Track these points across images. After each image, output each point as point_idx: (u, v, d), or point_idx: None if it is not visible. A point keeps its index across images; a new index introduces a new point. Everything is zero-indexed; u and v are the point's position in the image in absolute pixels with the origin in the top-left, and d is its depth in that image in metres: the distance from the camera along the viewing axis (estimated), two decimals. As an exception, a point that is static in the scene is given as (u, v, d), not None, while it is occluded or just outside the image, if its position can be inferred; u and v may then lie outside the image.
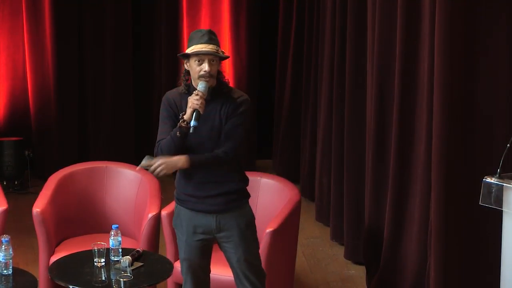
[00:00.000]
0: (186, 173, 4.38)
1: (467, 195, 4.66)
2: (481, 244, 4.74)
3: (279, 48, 8.23)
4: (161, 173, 4.30)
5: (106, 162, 5.81)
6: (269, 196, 5.40)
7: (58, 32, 7.99)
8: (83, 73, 8.25)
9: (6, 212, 5.25)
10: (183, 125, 4.18)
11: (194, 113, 4.18)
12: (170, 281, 5.17)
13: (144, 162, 4.30)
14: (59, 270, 4.61)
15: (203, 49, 4.25)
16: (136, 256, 4.66)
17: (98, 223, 5.55)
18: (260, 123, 8.70)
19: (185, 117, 4.20)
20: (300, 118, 7.72)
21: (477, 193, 4.13)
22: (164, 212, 5.16)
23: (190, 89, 4.30)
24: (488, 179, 4.07)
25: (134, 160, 7.86)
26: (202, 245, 4.45)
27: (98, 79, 8.27)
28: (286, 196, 5.25)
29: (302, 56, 7.62)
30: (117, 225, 4.68)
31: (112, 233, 4.64)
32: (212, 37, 4.31)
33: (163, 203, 5.34)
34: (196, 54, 4.25)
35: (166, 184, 7.62)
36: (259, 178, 5.44)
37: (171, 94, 4.44)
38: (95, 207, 5.60)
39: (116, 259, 4.60)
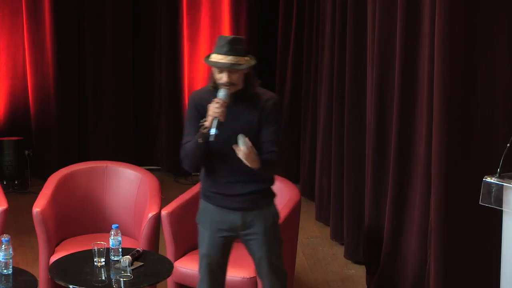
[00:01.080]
0: (212, 172, 4.40)
1: (467, 195, 4.66)
2: (481, 244, 4.74)
3: (279, 48, 8.22)
4: (245, 159, 4.17)
5: (106, 161, 5.81)
6: (269, 196, 5.40)
7: (58, 32, 7.98)
8: (83, 73, 8.24)
9: (6, 211, 5.25)
10: (204, 132, 4.19)
11: (214, 121, 4.17)
12: (170, 281, 5.17)
13: (242, 138, 4.16)
14: (59, 269, 4.61)
15: (220, 61, 4.22)
16: (136, 256, 4.66)
17: (98, 223, 5.55)
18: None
19: (206, 124, 4.20)
20: (300, 118, 7.72)
21: (477, 192, 4.14)
22: (164, 212, 5.16)
23: (218, 86, 4.28)
24: (488, 179, 4.08)
25: (134, 160, 7.89)
26: (224, 242, 4.46)
27: (98, 79, 8.26)
28: (286, 195, 5.25)
29: (302, 56, 7.63)
30: (117, 225, 4.68)
31: (112, 232, 4.64)
32: (233, 47, 4.23)
33: (163, 203, 5.34)
34: (214, 65, 4.24)
35: (166, 184, 7.63)
36: (259, 178, 5.44)
37: (197, 94, 4.45)
38: (95, 206, 5.60)
39: (116, 259, 4.60)
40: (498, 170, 4.04)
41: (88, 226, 5.54)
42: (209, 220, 4.44)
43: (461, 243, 4.79)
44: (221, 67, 4.22)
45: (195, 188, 5.45)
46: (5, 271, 4.49)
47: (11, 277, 4.49)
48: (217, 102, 4.18)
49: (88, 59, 8.23)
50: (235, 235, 4.46)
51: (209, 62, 4.27)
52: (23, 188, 7.89)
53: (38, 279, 5.08)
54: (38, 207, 5.20)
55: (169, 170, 8.35)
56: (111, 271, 4.52)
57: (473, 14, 4.65)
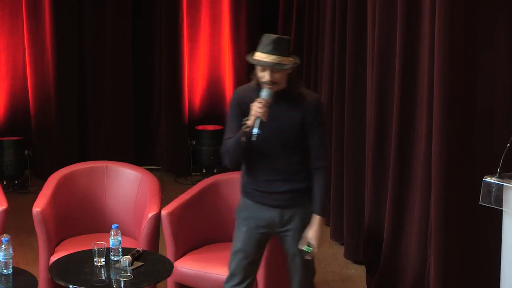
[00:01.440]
0: (252, 169, 4.45)
1: (467, 195, 4.67)
2: (481, 244, 4.75)
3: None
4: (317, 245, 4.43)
5: (106, 161, 5.80)
6: (269, 195, 5.40)
7: (58, 31, 7.98)
8: (83, 72, 8.24)
9: (6, 211, 5.25)
10: (246, 130, 4.22)
11: (257, 121, 4.19)
12: (170, 281, 5.17)
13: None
14: (59, 269, 4.61)
15: (263, 60, 4.24)
16: (136, 256, 4.66)
17: (98, 223, 5.55)
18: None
19: (248, 123, 4.22)
20: (300, 118, 7.71)
21: (477, 192, 4.14)
22: (164, 212, 5.16)
23: (261, 84, 4.30)
24: (488, 179, 4.08)
25: (134, 159, 7.89)
26: (261, 239, 4.49)
27: (98, 79, 8.26)
28: (286, 195, 5.24)
29: (302, 56, 7.62)
30: (117, 225, 4.68)
31: (112, 232, 4.64)
32: (277, 46, 4.24)
33: (163, 203, 5.34)
34: (257, 63, 4.26)
35: (166, 184, 7.63)
36: (259, 177, 5.44)
37: (240, 90, 4.49)
38: (95, 206, 5.60)
39: (116, 259, 4.60)
40: (498, 170, 4.05)
41: (88, 226, 5.54)
42: (248, 216, 4.48)
43: (461, 243, 4.79)
44: (263, 66, 4.24)
45: (195, 188, 5.46)
46: (5, 271, 4.49)
47: (11, 277, 4.49)
48: (260, 102, 4.20)
49: (88, 59, 8.23)
50: (272, 232, 4.50)
51: (252, 60, 4.28)
52: (23, 188, 7.89)
53: (38, 279, 5.08)
54: (38, 207, 5.20)
55: (169, 170, 8.35)
56: (111, 271, 4.52)
57: (473, 14, 4.65)
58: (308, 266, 4.53)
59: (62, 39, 8.01)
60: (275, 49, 4.22)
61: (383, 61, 5.41)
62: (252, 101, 4.26)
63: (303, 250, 4.39)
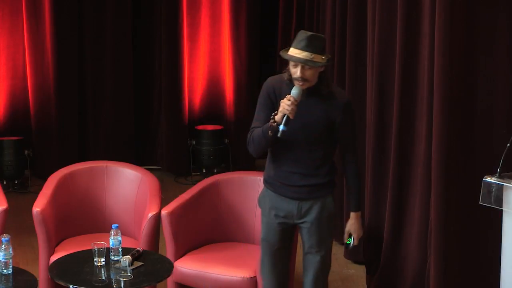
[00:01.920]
0: (275, 160, 4.52)
1: (467, 195, 4.66)
2: (481, 244, 4.74)
3: (279, 48, 8.22)
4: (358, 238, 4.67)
5: (106, 161, 5.81)
6: (269, 195, 5.40)
7: (58, 31, 7.98)
8: (83, 72, 8.24)
9: (6, 211, 5.25)
10: (273, 125, 4.26)
11: (284, 118, 4.23)
12: (170, 281, 5.17)
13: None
14: (59, 269, 4.61)
15: (295, 56, 4.29)
16: (136, 256, 4.66)
17: (98, 223, 5.55)
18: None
19: (276, 118, 4.27)
20: (300, 118, 7.71)
21: (477, 192, 4.14)
22: (164, 212, 5.16)
23: (292, 79, 4.35)
24: (488, 179, 4.08)
25: (134, 159, 7.89)
26: (281, 228, 4.56)
27: (98, 79, 8.26)
28: (286, 195, 5.24)
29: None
30: (117, 225, 4.68)
31: (112, 232, 4.63)
32: (310, 43, 4.28)
33: (163, 203, 5.34)
34: (290, 58, 4.31)
35: (166, 184, 7.63)
36: (259, 177, 5.43)
37: (272, 81, 4.51)
38: (95, 206, 5.60)
39: (116, 259, 4.60)
40: (498, 170, 4.05)
41: (88, 226, 5.54)
42: (268, 206, 4.56)
43: (461, 243, 4.79)
44: (296, 62, 4.28)
45: (195, 188, 5.46)
46: (5, 271, 4.49)
47: (11, 277, 4.49)
48: (289, 100, 4.24)
49: (88, 59, 8.22)
50: (291, 223, 4.56)
51: (285, 56, 4.33)
52: (23, 188, 7.89)
53: (38, 279, 5.08)
54: (38, 207, 5.20)
55: (169, 170, 8.35)
56: (111, 271, 4.52)
57: (473, 14, 4.65)
58: (323, 261, 4.58)
59: (62, 39, 8.01)
60: (308, 46, 4.28)
61: (383, 61, 5.41)
62: (282, 94, 4.33)
63: (345, 244, 4.65)
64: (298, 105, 4.27)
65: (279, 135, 4.26)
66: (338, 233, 6.47)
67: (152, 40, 8.38)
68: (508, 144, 4.03)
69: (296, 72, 4.29)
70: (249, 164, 8.29)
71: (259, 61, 8.54)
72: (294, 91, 4.28)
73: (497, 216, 4.22)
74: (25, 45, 8.01)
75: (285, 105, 4.24)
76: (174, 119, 8.33)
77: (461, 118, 4.72)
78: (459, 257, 4.80)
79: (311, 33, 4.35)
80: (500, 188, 4.03)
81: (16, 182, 7.89)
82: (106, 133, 8.28)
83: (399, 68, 5.16)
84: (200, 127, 8.32)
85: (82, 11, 8.13)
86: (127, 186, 5.62)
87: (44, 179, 5.74)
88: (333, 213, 4.58)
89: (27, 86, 8.09)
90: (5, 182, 7.76)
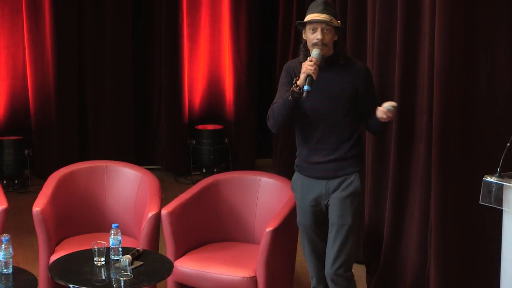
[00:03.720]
0: (302, 140, 4.65)
1: (467, 195, 4.67)
2: (481, 243, 4.75)
3: (279, 48, 8.23)
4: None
5: (106, 161, 5.81)
6: (269, 195, 5.41)
7: (58, 31, 7.99)
8: (83, 72, 8.25)
9: (6, 211, 5.25)
10: (296, 90, 4.34)
11: (308, 78, 4.32)
12: (170, 280, 5.17)
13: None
14: (59, 269, 4.62)
15: (316, 18, 4.43)
16: (136, 255, 4.66)
17: (98, 222, 5.55)
18: (260, 122, 8.71)
19: (298, 82, 4.36)
20: (300, 117, 7.71)
21: (477, 192, 4.14)
22: (164, 211, 5.16)
23: (309, 54, 4.47)
24: (488, 178, 4.07)
25: (134, 159, 7.90)
26: (314, 210, 4.67)
27: (98, 79, 8.27)
28: (286, 195, 5.25)
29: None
30: (117, 224, 4.68)
31: (112, 232, 4.64)
32: (326, 7, 4.47)
33: (163, 202, 5.34)
34: (310, 22, 4.45)
35: (166, 183, 7.63)
36: (259, 177, 5.45)
37: (291, 63, 4.66)
38: (95, 206, 5.60)
39: (116, 258, 4.60)
40: (498, 169, 4.04)
41: (88, 225, 5.54)
42: (299, 190, 4.69)
43: (461, 242, 4.79)
44: (317, 22, 4.43)
45: (195, 188, 5.46)
46: (5, 270, 4.49)
47: (11, 276, 4.49)
48: (311, 61, 4.35)
49: (88, 59, 8.23)
50: (323, 205, 4.64)
51: (303, 22, 4.46)
52: (23, 187, 7.89)
53: (38, 278, 5.08)
54: (38, 207, 5.20)
55: (169, 169, 8.36)
56: (111, 271, 4.52)
57: (473, 14, 4.65)
58: (344, 241, 4.61)
59: (62, 38, 8.01)
60: (325, 9, 4.46)
61: (383, 61, 5.41)
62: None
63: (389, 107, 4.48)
64: (320, 77, 4.36)
65: (305, 95, 4.32)
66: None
67: (152, 40, 8.39)
68: (508, 144, 4.03)
69: (316, 35, 4.43)
70: (249, 164, 8.30)
71: (259, 61, 8.55)
72: (315, 53, 4.40)
73: (497, 216, 4.22)
74: (25, 45, 8.02)
75: (308, 65, 4.34)
76: (174, 119, 8.33)
77: (461, 118, 4.72)
78: (459, 257, 4.80)
79: None
80: (500, 188, 4.03)
81: (16, 181, 7.90)
82: (106, 133, 8.29)
83: (399, 68, 5.16)
84: (200, 126, 8.33)
85: (82, 11, 8.14)
86: (127, 185, 5.62)
87: (44, 178, 5.74)
88: (357, 191, 4.62)
89: (27, 86, 8.10)
90: (5, 182, 7.76)
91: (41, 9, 7.94)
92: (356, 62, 4.66)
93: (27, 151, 7.96)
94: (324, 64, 4.43)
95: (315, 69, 4.33)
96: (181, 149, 8.36)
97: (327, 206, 4.66)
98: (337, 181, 4.60)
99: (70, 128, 8.19)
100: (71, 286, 4.40)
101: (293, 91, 4.35)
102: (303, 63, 4.39)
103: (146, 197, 5.40)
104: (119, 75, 8.27)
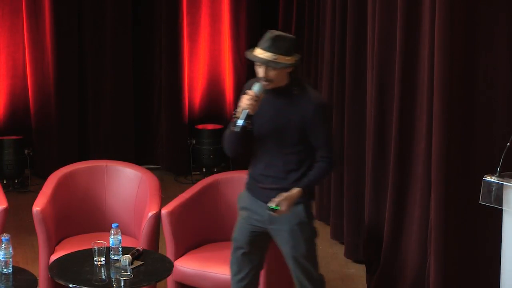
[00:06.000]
0: (254, 162, 4.48)
1: (467, 194, 4.67)
2: (481, 243, 4.75)
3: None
4: (286, 209, 4.31)
5: (106, 161, 5.80)
6: (269, 195, 5.40)
7: (58, 31, 7.98)
8: (83, 72, 8.24)
9: (6, 210, 5.25)
10: (233, 121, 4.23)
11: (243, 113, 4.19)
12: (170, 280, 5.17)
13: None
14: (59, 268, 4.62)
15: (257, 56, 4.21)
16: (136, 255, 4.66)
17: (98, 222, 5.55)
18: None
19: (237, 114, 4.22)
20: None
21: (477, 192, 4.14)
22: (164, 211, 5.16)
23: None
24: (488, 178, 4.08)
25: (134, 159, 7.89)
26: (254, 231, 4.48)
27: (98, 78, 8.26)
28: (286, 195, 5.24)
29: (302, 56, 7.62)
30: (117, 224, 4.68)
31: (112, 231, 4.64)
32: (274, 43, 4.19)
33: (163, 202, 5.34)
34: (252, 58, 4.25)
35: (166, 183, 7.63)
36: (259, 177, 5.45)
37: (250, 81, 4.43)
38: (95, 206, 5.60)
39: (116, 258, 4.60)
40: (498, 169, 4.05)
41: (88, 225, 5.54)
42: (244, 206, 4.52)
43: (461, 242, 4.79)
44: (256, 62, 4.23)
45: (195, 187, 5.46)
46: (5, 270, 4.49)
47: (11, 276, 4.49)
48: (250, 95, 4.20)
49: (88, 59, 8.23)
50: (264, 228, 4.47)
51: (248, 55, 4.27)
52: (23, 187, 7.89)
53: (38, 278, 5.08)
54: (38, 206, 5.20)
55: (169, 169, 8.36)
56: (111, 270, 4.52)
57: (473, 14, 4.65)
58: (306, 270, 4.48)
59: (62, 38, 8.01)
60: (271, 47, 4.19)
61: (383, 61, 5.42)
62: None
63: (269, 208, 4.30)
64: (269, 108, 4.23)
65: (237, 129, 4.19)
66: (338, 233, 6.49)
67: (152, 39, 8.39)
68: (508, 144, 4.03)
69: (259, 72, 4.23)
70: (248, 164, 8.29)
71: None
72: (256, 87, 4.22)
73: (497, 216, 4.23)
74: (25, 44, 8.01)
75: (245, 100, 4.19)
76: (174, 119, 8.33)
77: (461, 118, 4.72)
78: (459, 257, 4.80)
79: (278, 33, 4.26)
80: (500, 187, 4.03)
81: (16, 181, 7.90)
82: (106, 133, 8.29)
83: (399, 68, 5.16)
84: (200, 126, 8.33)
85: (82, 10, 8.13)
86: (127, 185, 5.62)
87: (44, 178, 5.74)
88: (305, 221, 4.42)
89: (27, 85, 8.09)
90: (5, 181, 7.76)
91: (41, 9, 7.94)
92: (312, 95, 4.34)
93: (27, 150, 7.96)
94: (275, 95, 4.26)
95: (251, 104, 4.16)
96: (181, 149, 8.36)
97: (266, 232, 4.48)
98: None
99: (70, 128, 8.18)
100: (71, 285, 4.40)
101: (233, 120, 4.22)
102: (242, 95, 4.23)
103: (146, 197, 5.40)
104: (119, 75, 8.27)
